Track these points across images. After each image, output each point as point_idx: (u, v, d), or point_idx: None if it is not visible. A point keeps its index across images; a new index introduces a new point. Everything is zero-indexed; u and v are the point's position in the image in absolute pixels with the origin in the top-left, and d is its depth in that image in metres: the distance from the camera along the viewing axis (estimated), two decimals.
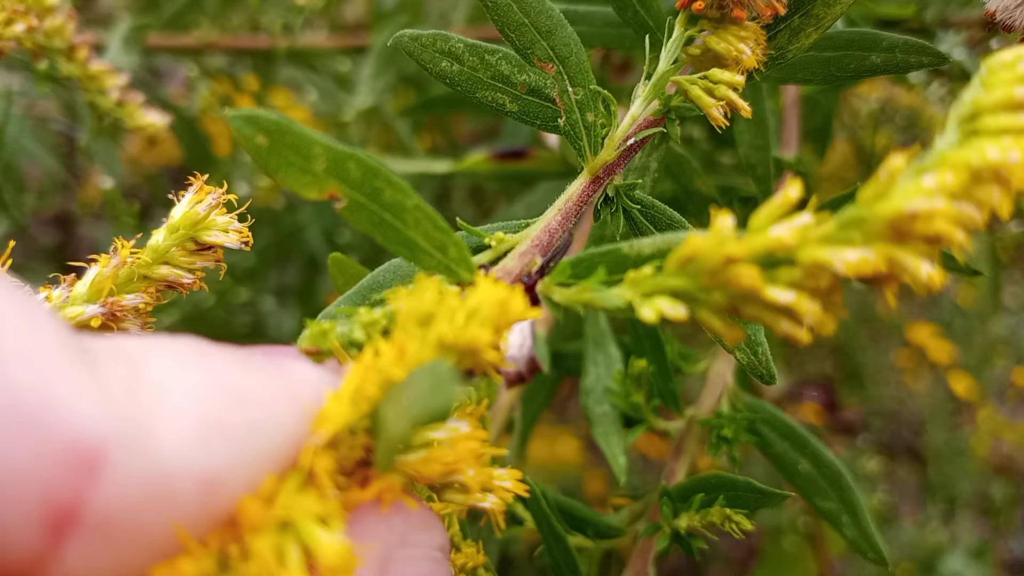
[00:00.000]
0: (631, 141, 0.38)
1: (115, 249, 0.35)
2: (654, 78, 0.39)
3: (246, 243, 0.36)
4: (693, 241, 0.25)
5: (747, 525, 0.41)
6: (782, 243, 0.24)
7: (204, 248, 0.36)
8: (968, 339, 1.53)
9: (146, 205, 1.24)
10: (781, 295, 0.24)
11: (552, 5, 0.39)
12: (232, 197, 0.37)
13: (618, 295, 0.28)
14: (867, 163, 1.01)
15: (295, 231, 0.85)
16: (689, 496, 0.44)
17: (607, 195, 0.40)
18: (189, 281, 0.36)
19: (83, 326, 0.34)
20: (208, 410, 0.22)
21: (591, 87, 0.38)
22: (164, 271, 0.35)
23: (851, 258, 0.23)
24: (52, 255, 1.26)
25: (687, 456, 0.48)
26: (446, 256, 0.31)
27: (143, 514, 0.20)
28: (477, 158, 0.61)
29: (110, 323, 0.34)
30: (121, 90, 0.53)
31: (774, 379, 0.37)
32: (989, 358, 1.55)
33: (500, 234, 0.36)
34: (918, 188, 0.23)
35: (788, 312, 0.24)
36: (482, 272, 0.32)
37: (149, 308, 0.35)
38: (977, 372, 1.50)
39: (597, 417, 0.46)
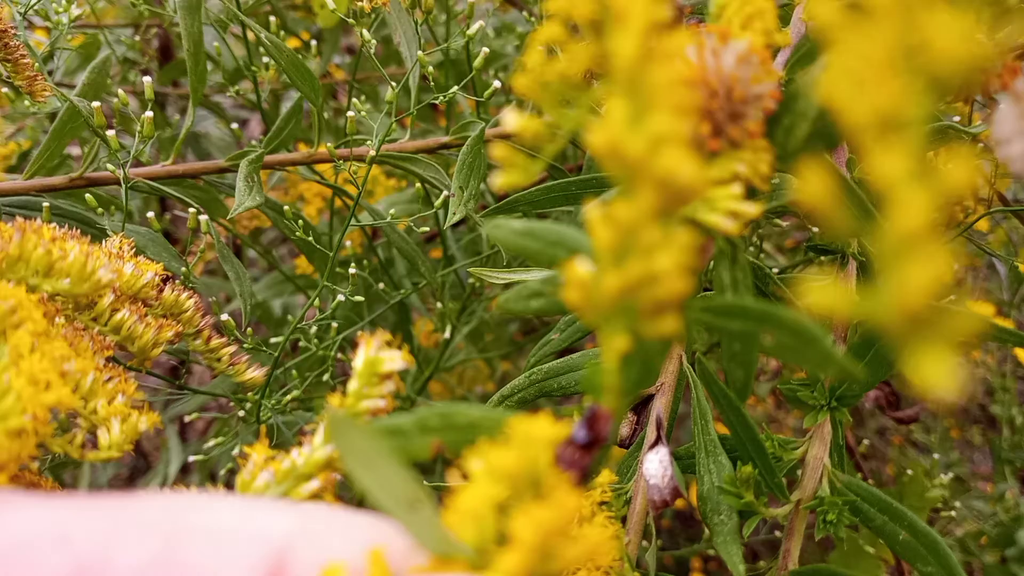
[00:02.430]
0: None
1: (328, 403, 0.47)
2: None
3: (408, 361, 0.48)
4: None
5: None
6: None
7: (385, 377, 0.48)
8: None
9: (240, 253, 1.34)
10: None
11: None
12: (389, 338, 0.48)
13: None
14: None
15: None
16: None
17: None
18: (384, 404, 0.47)
19: (323, 463, 0.45)
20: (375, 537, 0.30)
21: None
22: (366, 404, 0.46)
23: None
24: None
25: (798, 536, 0.55)
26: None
27: None
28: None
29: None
30: (231, 355, 0.69)
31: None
32: None
33: None
34: None
35: None
36: None
37: None
38: None
39: (716, 526, 0.53)
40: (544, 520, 0.28)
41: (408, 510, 0.30)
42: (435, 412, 0.38)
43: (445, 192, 0.78)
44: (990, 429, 1.82)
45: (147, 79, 0.74)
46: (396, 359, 0.48)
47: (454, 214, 0.73)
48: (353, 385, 0.47)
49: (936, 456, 1.31)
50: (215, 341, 0.69)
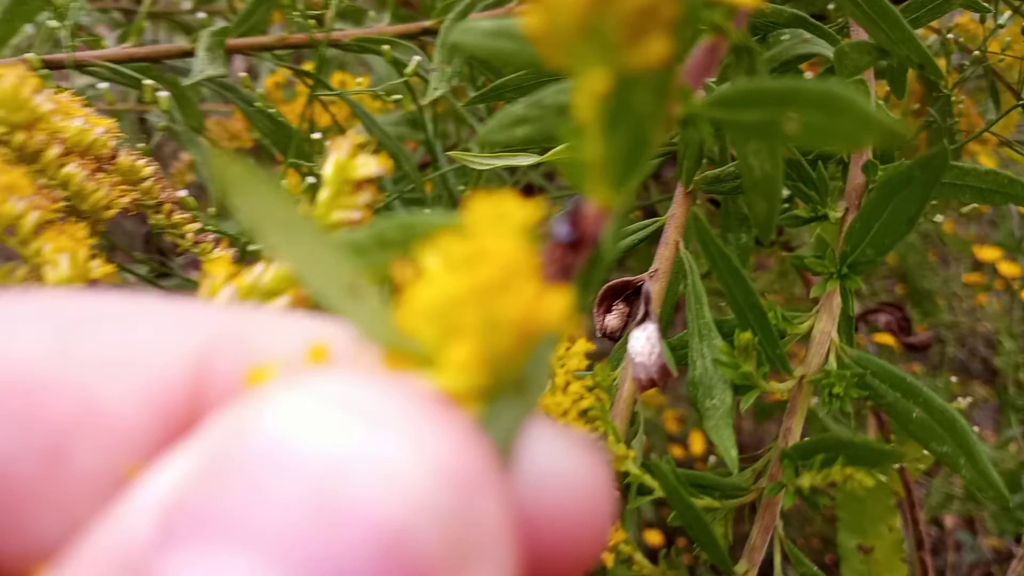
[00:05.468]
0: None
1: None
2: None
3: (386, 167, 0.42)
4: None
5: (869, 481, 0.43)
6: None
7: (359, 186, 0.41)
8: None
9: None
10: None
11: None
12: (363, 140, 0.42)
13: None
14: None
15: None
16: (807, 455, 0.46)
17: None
18: (359, 216, 0.41)
19: (293, 277, 0.40)
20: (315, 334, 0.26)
21: None
22: (338, 216, 0.41)
23: None
24: (140, 242, 1.31)
25: (800, 414, 0.50)
26: None
27: None
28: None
29: None
30: (196, 234, 0.63)
31: None
32: None
33: None
34: None
35: None
36: None
37: None
38: None
39: (707, 411, 0.47)
40: (508, 307, 0.23)
41: (349, 296, 0.24)
42: (394, 223, 0.32)
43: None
44: (992, 383, 1.77)
45: None
46: (371, 164, 0.42)
47: (436, 89, 0.68)
48: (323, 194, 0.42)
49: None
50: (178, 216, 0.64)
